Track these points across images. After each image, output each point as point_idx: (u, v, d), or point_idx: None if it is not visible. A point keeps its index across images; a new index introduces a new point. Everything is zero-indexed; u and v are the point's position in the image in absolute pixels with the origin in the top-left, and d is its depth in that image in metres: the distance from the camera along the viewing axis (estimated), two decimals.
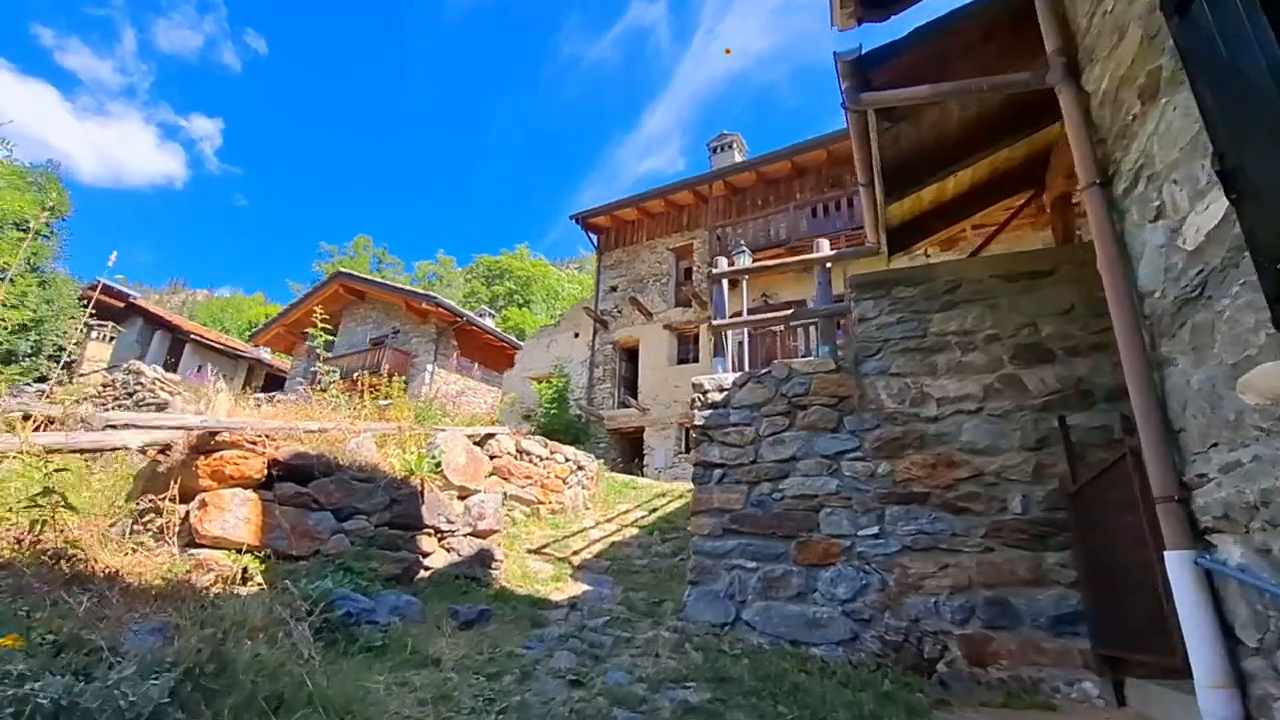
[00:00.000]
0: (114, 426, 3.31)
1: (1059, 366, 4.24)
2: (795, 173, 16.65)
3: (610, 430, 17.31)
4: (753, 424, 5.01)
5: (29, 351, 17.77)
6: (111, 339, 24.00)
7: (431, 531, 5.23)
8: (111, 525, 3.53)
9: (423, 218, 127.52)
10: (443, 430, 5.98)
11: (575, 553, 7.15)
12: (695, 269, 17.51)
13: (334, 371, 6.39)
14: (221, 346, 25.58)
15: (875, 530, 4.36)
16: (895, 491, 4.38)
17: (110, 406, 11.28)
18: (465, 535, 5.55)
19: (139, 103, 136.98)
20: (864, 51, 3.81)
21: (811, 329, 11.43)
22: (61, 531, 2.92)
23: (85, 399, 11.73)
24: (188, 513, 3.65)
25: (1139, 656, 3.11)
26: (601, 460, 11.74)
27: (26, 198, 15.09)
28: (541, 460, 8.36)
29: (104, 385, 13.20)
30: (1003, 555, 4.02)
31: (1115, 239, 2.79)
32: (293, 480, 4.25)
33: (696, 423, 5.22)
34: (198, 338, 24.73)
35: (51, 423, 3.59)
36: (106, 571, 2.89)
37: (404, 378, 10.53)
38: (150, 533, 3.51)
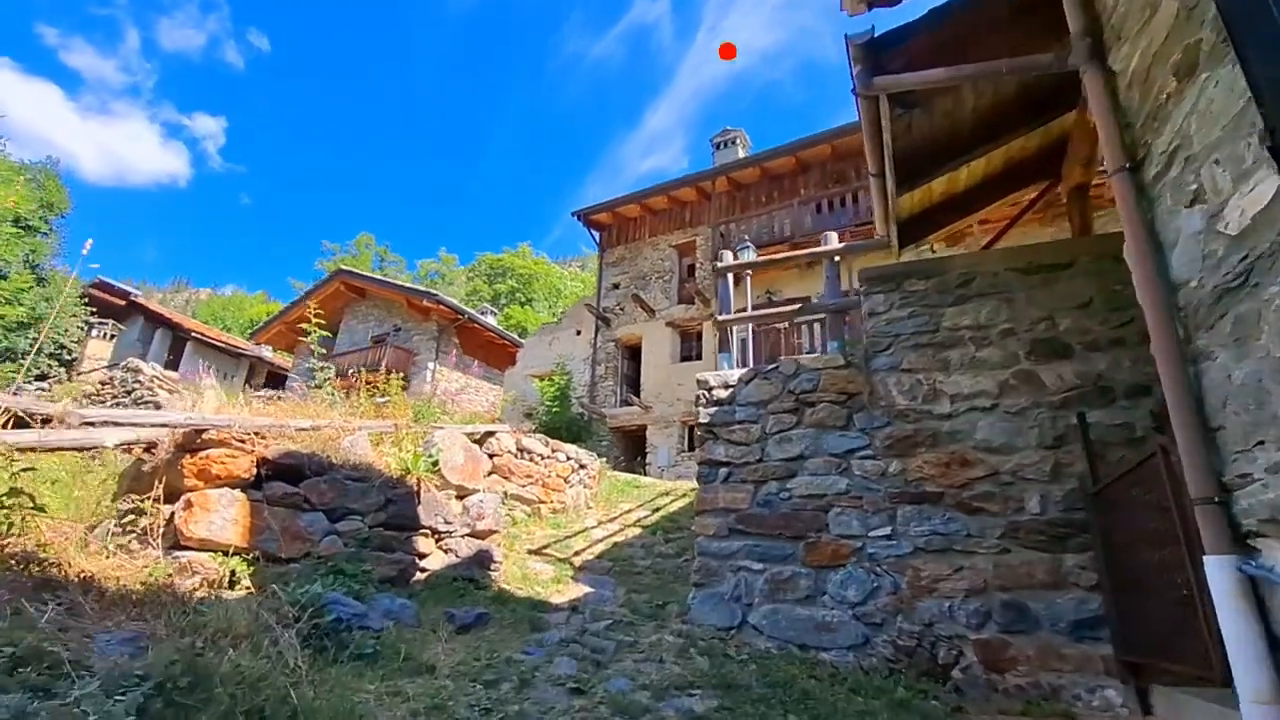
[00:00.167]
0: (91, 424, 3.18)
1: (1077, 362, 4.10)
2: (799, 168, 16.47)
3: (613, 428, 17.17)
4: (759, 421, 4.87)
5: (29, 349, 17.70)
6: (112, 337, 23.96)
7: (428, 532, 5.09)
8: (93, 527, 3.41)
9: (425, 216, 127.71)
10: (440, 428, 5.84)
11: (577, 553, 7.01)
12: (698, 266, 17.35)
13: (328, 367, 6.26)
14: (223, 345, 25.48)
15: (887, 531, 4.22)
16: (907, 491, 4.24)
17: (109, 405, 11.18)
18: (463, 536, 5.42)
19: (142, 102, 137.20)
20: (876, 34, 3.66)
21: (817, 327, 11.28)
22: (30, 534, 2.78)
23: (84, 397, 11.65)
24: (173, 514, 3.51)
25: (1167, 664, 2.96)
26: (604, 459, 11.60)
27: (21, 192, 14.98)
28: (543, 459, 8.22)
29: (102, 383, 13.12)
30: (1020, 557, 3.88)
31: (1145, 227, 2.63)
32: (283, 480, 4.11)
33: (701, 420, 5.08)
34: (199, 336, 24.63)
35: (48, 421, 3.47)
36: (81, 576, 2.76)
37: (404, 375, 10.42)
38: (134, 535, 3.38)
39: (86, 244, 4.47)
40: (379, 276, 28.88)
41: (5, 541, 2.71)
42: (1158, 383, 3.69)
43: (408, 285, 22.92)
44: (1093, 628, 3.61)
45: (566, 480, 8.68)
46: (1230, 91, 2.06)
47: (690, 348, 17.17)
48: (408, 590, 4.49)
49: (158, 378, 12.48)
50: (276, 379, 24.36)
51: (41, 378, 16.93)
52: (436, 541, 5.20)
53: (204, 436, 3.68)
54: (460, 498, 5.75)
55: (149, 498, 3.45)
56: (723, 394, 5.08)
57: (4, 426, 3.08)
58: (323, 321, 6.36)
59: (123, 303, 24.42)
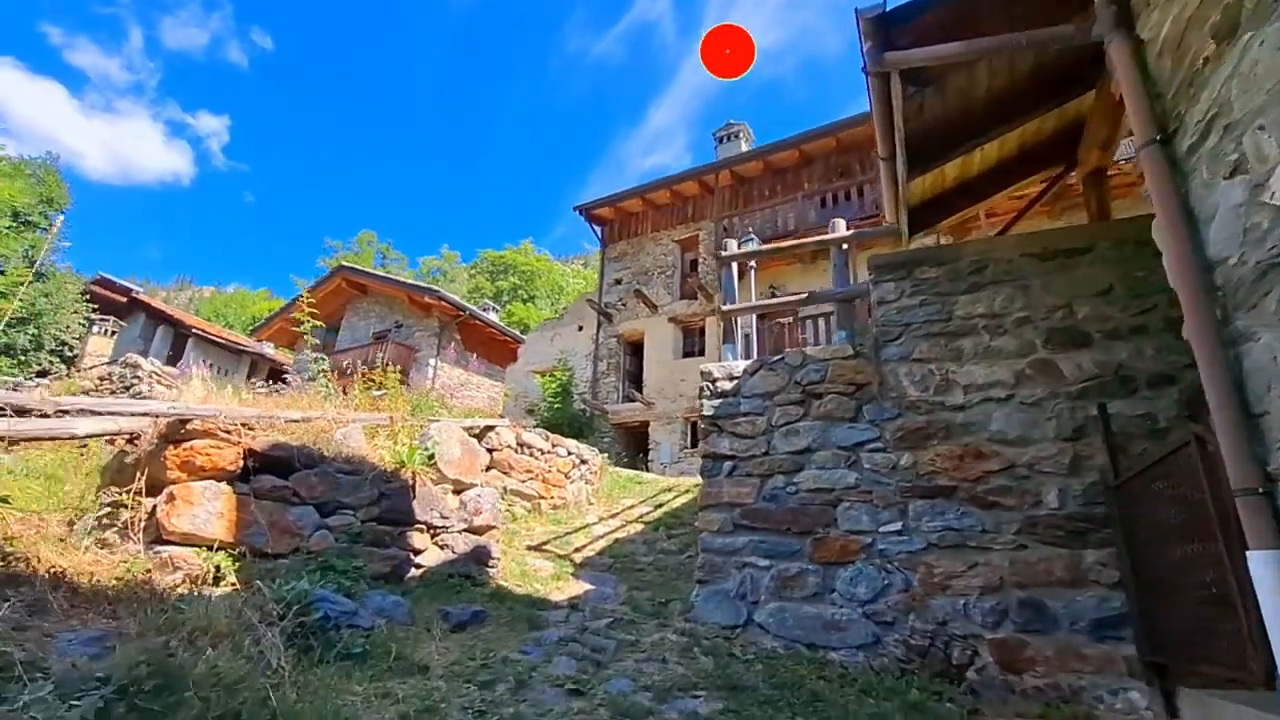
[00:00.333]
0: (65, 412, 3.03)
1: (1097, 351, 3.94)
2: (803, 161, 16.27)
3: (615, 425, 17.03)
4: (765, 414, 4.72)
5: (28, 346, 17.64)
6: (113, 333, 23.92)
7: (423, 527, 4.94)
8: (74, 521, 3.27)
9: (427, 214, 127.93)
10: (436, 421, 5.70)
11: (577, 549, 6.87)
12: (701, 261, 17.19)
13: (322, 359, 6.12)
14: (224, 341, 25.39)
15: (898, 526, 4.07)
16: (919, 485, 4.09)
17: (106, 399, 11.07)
18: (460, 531, 5.27)
19: (146, 100, 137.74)
20: (888, 8, 3.50)
21: (822, 323, 11.12)
22: None
23: (82, 392, 11.56)
24: (154, 507, 3.37)
25: (1196, 666, 2.81)
26: (606, 455, 11.46)
27: (16, 185, 14.87)
28: (543, 454, 8.08)
29: (101, 379, 13.03)
30: (1037, 553, 3.72)
31: (1179, 201, 2.48)
32: (272, 472, 3.97)
33: (705, 413, 4.94)
34: (200, 333, 24.54)
35: (24, 412, 3.34)
36: (51, 572, 2.62)
37: (405, 372, 10.27)
38: (115, 529, 3.24)
39: (57, 221, 4.30)
40: (380, 273, 28.75)
41: None
42: (1190, 367, 3.57)
43: (409, 281, 22.84)
44: (1115, 627, 3.45)
45: (567, 476, 8.53)
46: (1278, 50, 1.90)
47: (693, 343, 17.02)
48: (401, 587, 4.35)
49: (156, 373, 12.38)
50: (278, 375, 24.25)
51: (43, 374, 16.86)
52: (432, 537, 5.06)
53: (188, 427, 3.53)
54: (457, 492, 5.61)
55: (130, 490, 3.32)
56: (727, 385, 4.93)
57: None
58: (315, 312, 6.22)
59: (124, 300, 24.37)
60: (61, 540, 2.97)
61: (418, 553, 4.82)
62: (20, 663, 1.64)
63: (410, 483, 4.89)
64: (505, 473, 7.31)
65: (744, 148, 19.22)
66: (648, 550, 7.18)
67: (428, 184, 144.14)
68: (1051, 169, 5.31)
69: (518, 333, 22.80)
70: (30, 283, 17.12)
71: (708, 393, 4.98)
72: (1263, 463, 2.06)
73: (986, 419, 4.05)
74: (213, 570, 3.35)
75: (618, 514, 8.53)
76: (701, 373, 5.10)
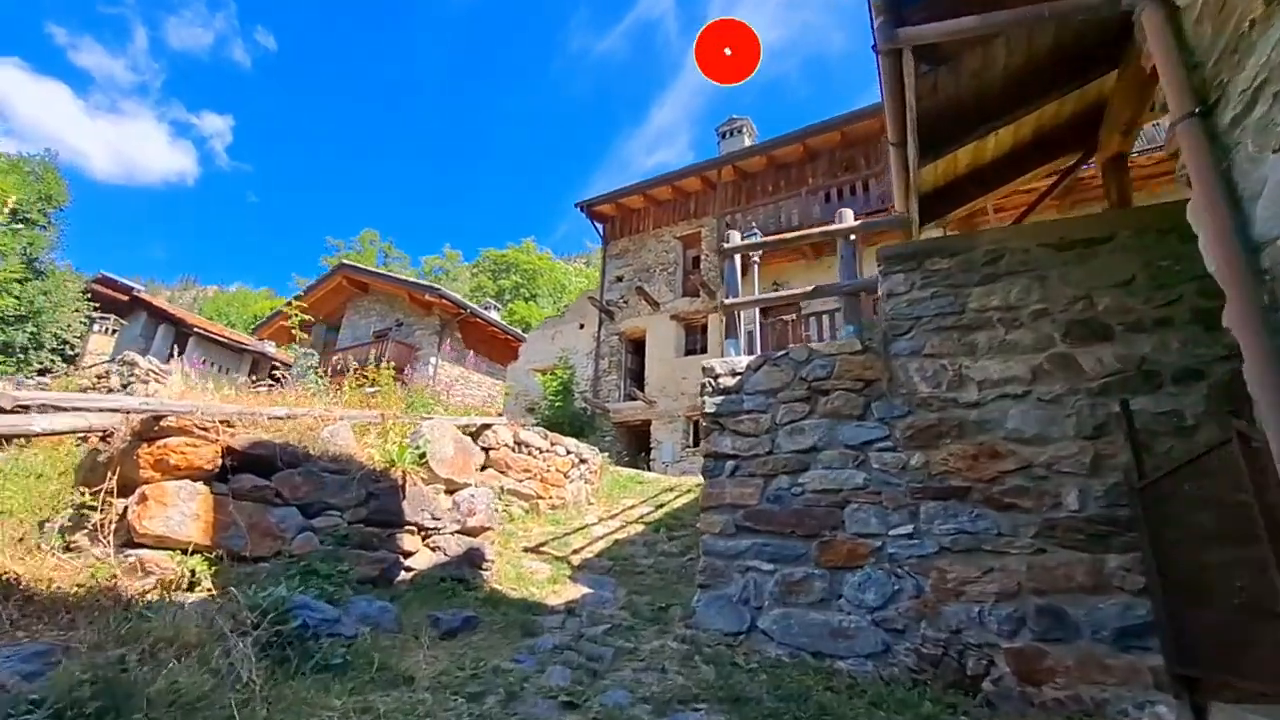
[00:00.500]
0: (26, 408, 2.86)
1: (1118, 344, 3.74)
2: (807, 156, 16.05)
3: (616, 423, 16.84)
4: (769, 411, 4.54)
5: (27, 344, 17.52)
6: (114, 332, 23.82)
7: (414, 529, 4.76)
8: (43, 523, 3.11)
9: (429, 214, 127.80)
10: (429, 418, 5.52)
11: (575, 551, 6.70)
12: (703, 258, 16.98)
13: (312, 354, 5.95)
14: (225, 340, 25.27)
15: (908, 529, 3.88)
16: (931, 485, 3.90)
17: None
18: (453, 533, 5.09)
19: (151, 100, 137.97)
20: None
21: (826, 320, 10.93)
22: None
23: (80, 390, 11.42)
24: (126, 508, 3.20)
25: (1232, 679, 2.63)
26: (606, 454, 11.29)
27: (10, 180, 14.72)
28: (541, 453, 7.90)
29: (99, 377, 12.89)
30: (1056, 558, 3.53)
31: (1219, 178, 2.28)
32: (252, 472, 3.79)
33: (707, 410, 4.75)
34: (201, 331, 24.43)
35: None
36: (4, 579, 2.46)
37: (401, 368, 10.12)
38: (84, 532, 3.08)
39: (9, 199, 4.13)
40: (381, 271, 28.64)
41: None
42: (1221, 361, 3.39)
43: (410, 279, 22.72)
44: (1140, 636, 3.26)
45: (566, 475, 8.36)
46: None
47: (695, 341, 16.81)
48: (390, 592, 4.18)
49: (153, 370, 12.24)
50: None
51: (43, 372, 16.74)
52: (423, 539, 4.88)
53: (163, 424, 3.36)
54: (450, 492, 5.43)
55: (102, 490, 3.15)
56: (730, 382, 4.74)
57: None
58: (304, 306, 6.05)
59: (125, 298, 24.26)
60: (20, 542, 2.80)
61: (408, 555, 4.64)
62: None
63: (400, 482, 4.71)
64: (502, 472, 7.14)
65: (747, 143, 19.01)
66: (648, 552, 7.00)
67: (430, 184, 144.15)
68: (1069, 156, 5.10)
69: (519, 331, 22.67)
70: (29, 280, 17.01)
71: (709, 390, 4.80)
72: None
73: (1002, 416, 3.86)
74: (187, 575, 3.18)
75: (618, 514, 8.35)
76: (703, 369, 4.92)
